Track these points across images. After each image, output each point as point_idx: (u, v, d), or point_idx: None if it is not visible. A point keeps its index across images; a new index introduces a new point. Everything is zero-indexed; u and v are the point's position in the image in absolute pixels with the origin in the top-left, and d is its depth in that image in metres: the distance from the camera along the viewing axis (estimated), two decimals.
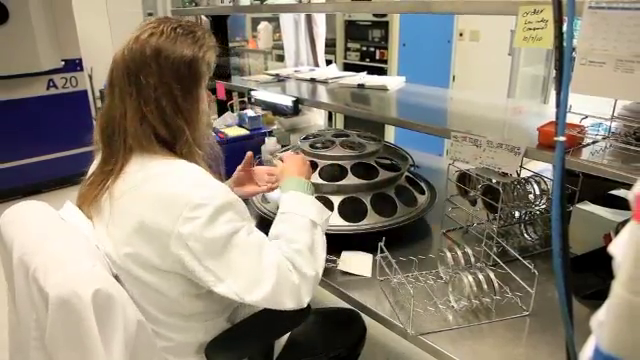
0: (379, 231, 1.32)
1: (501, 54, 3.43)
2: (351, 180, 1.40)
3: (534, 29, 1.02)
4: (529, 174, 1.35)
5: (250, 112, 2.07)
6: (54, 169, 3.45)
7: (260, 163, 1.52)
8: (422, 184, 1.58)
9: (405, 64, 3.38)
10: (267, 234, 1.00)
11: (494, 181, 1.25)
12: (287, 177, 1.15)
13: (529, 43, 1.04)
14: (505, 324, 1.06)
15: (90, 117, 3.60)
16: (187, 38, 0.94)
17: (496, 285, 1.08)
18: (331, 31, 3.41)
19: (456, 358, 0.97)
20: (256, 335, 1.06)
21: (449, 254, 1.20)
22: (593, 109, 1.14)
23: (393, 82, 2.01)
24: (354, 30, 3.61)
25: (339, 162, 1.46)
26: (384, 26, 3.37)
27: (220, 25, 2.46)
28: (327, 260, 1.18)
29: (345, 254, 1.32)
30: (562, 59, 0.61)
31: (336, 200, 1.39)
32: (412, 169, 1.58)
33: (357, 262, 1.29)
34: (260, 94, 2.04)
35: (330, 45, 3.44)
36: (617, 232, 1.01)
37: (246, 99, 2.25)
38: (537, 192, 1.33)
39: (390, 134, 3.25)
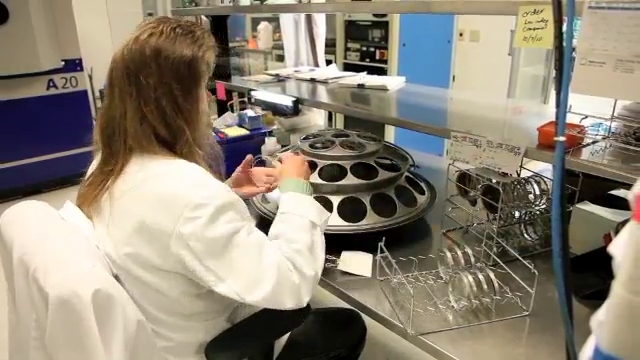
0: (379, 231, 1.32)
1: (501, 54, 3.42)
2: (351, 180, 1.40)
3: (534, 29, 1.02)
4: (529, 174, 1.35)
5: (250, 112, 2.07)
6: (54, 169, 3.45)
7: (260, 163, 1.52)
8: (422, 184, 1.58)
9: (405, 64, 3.38)
10: (267, 234, 1.00)
11: (494, 181, 1.25)
12: (286, 178, 1.15)
13: (529, 43, 1.04)
14: (505, 324, 1.06)
15: (90, 117, 3.60)
16: (186, 38, 0.94)
17: (496, 285, 1.08)
18: (331, 31, 3.41)
19: (456, 358, 0.97)
20: (256, 335, 1.07)
21: (449, 254, 1.20)
22: (593, 109, 1.14)
23: (393, 82, 2.01)
24: (354, 30, 3.61)
25: (339, 162, 1.46)
26: (384, 26, 3.37)
27: (220, 25, 2.46)
28: (327, 260, 1.19)
29: (345, 254, 1.32)
30: (562, 59, 0.61)
31: (336, 200, 1.38)
32: (412, 169, 1.58)
33: (357, 262, 1.29)
34: (260, 94, 2.04)
35: (330, 45, 3.44)
36: (617, 232, 1.01)
37: (246, 99, 2.25)
38: (537, 192, 1.33)
39: (390, 134, 3.25)
